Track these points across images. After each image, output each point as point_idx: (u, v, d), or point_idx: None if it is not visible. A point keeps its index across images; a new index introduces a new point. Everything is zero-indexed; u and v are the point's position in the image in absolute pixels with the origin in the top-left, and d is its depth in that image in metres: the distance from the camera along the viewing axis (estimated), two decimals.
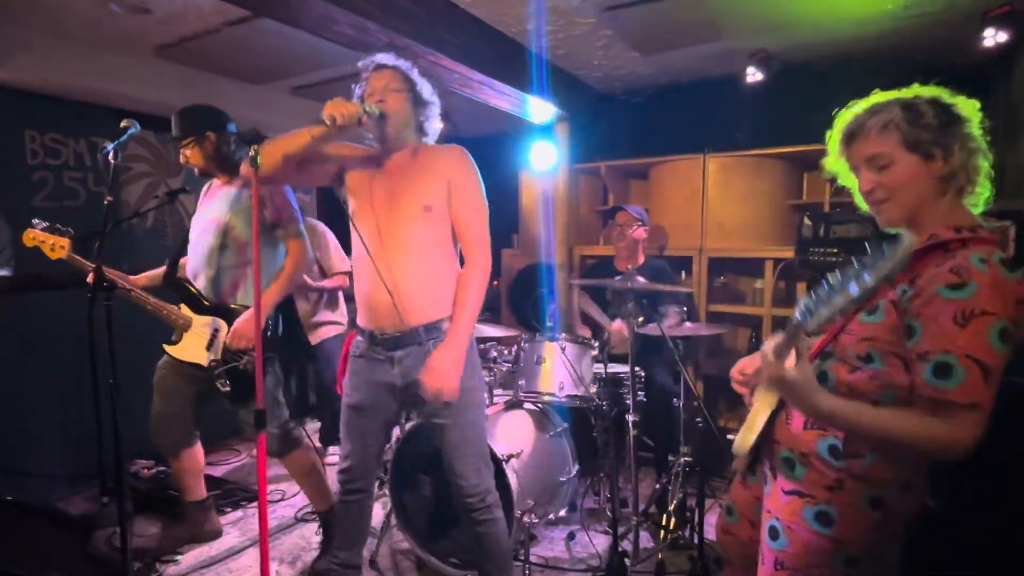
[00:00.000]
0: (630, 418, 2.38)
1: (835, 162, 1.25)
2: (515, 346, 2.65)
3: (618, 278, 2.46)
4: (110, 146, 1.87)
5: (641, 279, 2.45)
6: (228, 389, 2.16)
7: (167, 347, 2.31)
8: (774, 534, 1.27)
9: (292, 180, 1.76)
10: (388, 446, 2.97)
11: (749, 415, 1.37)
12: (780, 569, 1.26)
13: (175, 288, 2.25)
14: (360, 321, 1.81)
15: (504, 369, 2.74)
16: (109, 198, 1.87)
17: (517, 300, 3.78)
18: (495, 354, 2.73)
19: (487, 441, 1.88)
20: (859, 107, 1.22)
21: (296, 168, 1.71)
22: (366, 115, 1.63)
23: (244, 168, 1.62)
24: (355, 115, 1.59)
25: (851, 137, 1.20)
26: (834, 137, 1.23)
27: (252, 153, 1.56)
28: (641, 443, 2.72)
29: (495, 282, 4.04)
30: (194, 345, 2.24)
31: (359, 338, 1.83)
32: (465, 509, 1.82)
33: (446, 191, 1.72)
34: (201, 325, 2.24)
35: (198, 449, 2.45)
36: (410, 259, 1.71)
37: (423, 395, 1.73)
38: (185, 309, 2.26)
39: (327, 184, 1.82)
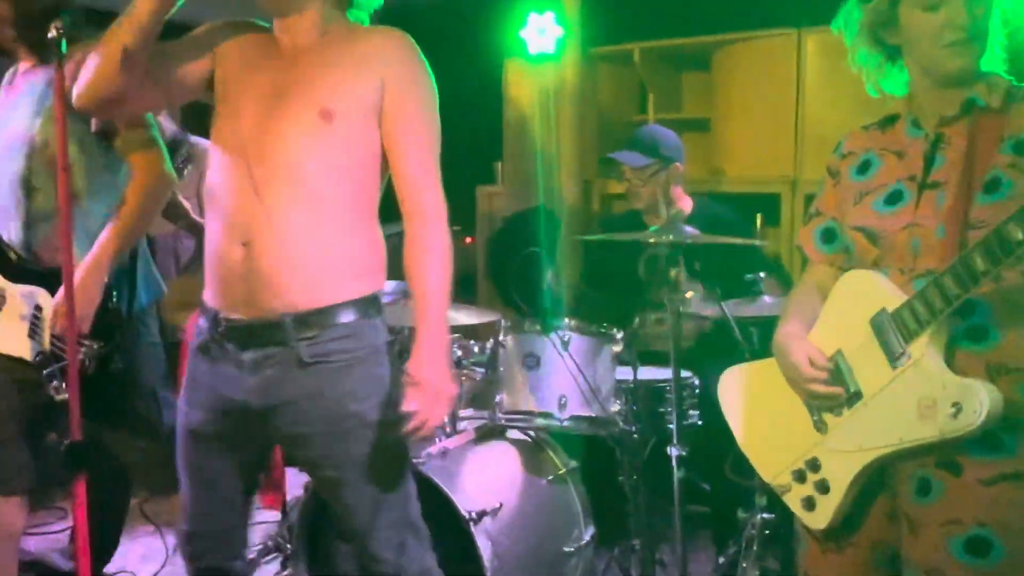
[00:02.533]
0: (675, 452, 2.38)
1: None
2: (491, 340, 2.64)
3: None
4: None
5: (690, 229, 2.44)
6: (65, 397, 2.15)
7: None
8: (980, 548, 1.44)
9: (146, 93, 1.78)
10: (290, 502, 2.94)
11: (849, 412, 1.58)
12: None
13: None
14: (206, 295, 1.81)
15: (475, 377, 2.72)
16: None
17: (499, 266, 3.69)
18: (460, 353, 2.71)
19: (415, 497, 1.88)
20: None
21: (148, 69, 1.73)
22: None
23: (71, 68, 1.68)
24: None
25: None
26: None
27: (54, 33, 1.55)
28: (694, 490, 2.67)
29: (467, 239, 4.08)
30: (12, 330, 2.23)
31: (202, 321, 1.83)
32: None
33: (373, 96, 1.75)
34: (18, 299, 2.23)
35: (19, 503, 2.36)
36: (289, 198, 1.70)
37: (309, 428, 1.75)
38: None
39: (197, 93, 1.85)
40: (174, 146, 3.17)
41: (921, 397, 1.46)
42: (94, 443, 1.74)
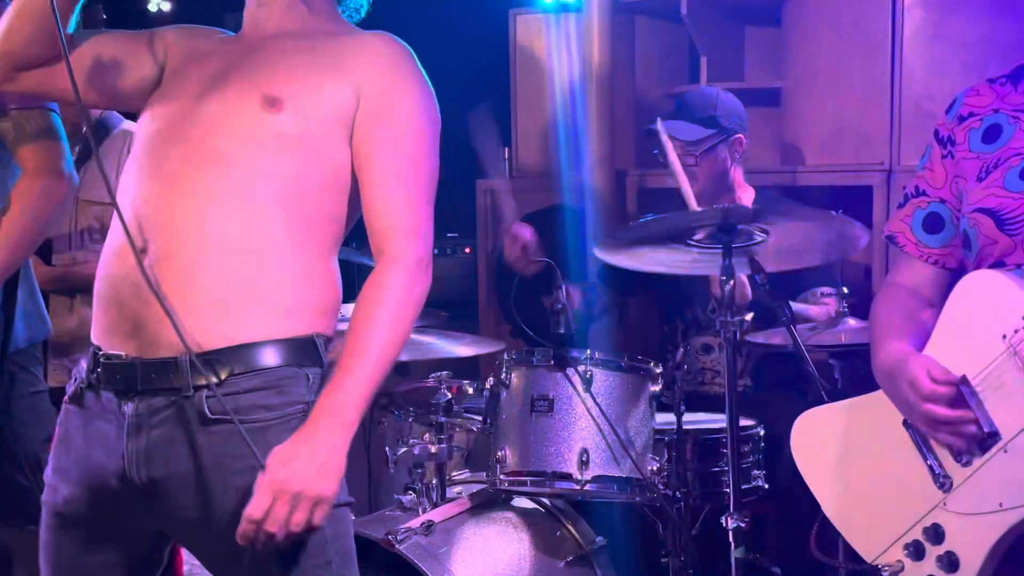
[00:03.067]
0: (732, 524, 2.37)
1: None
2: (490, 380, 2.66)
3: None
4: None
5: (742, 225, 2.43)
6: None
7: None
8: None
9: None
10: None
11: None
12: None
13: None
14: (92, 327, 1.80)
15: (470, 428, 2.79)
16: None
17: (506, 283, 3.64)
18: (449, 396, 2.73)
19: None
20: None
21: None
22: None
23: None
24: None
25: None
26: None
27: None
28: (757, 572, 2.65)
29: (467, 249, 4.11)
30: None
31: (82, 362, 1.83)
32: None
33: (342, 103, 1.80)
34: None
35: None
36: (207, 192, 1.73)
37: (208, 514, 1.70)
38: None
39: (133, 95, 1.90)
40: (101, 131, 3.19)
41: None
42: None
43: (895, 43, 3.44)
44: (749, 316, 2.49)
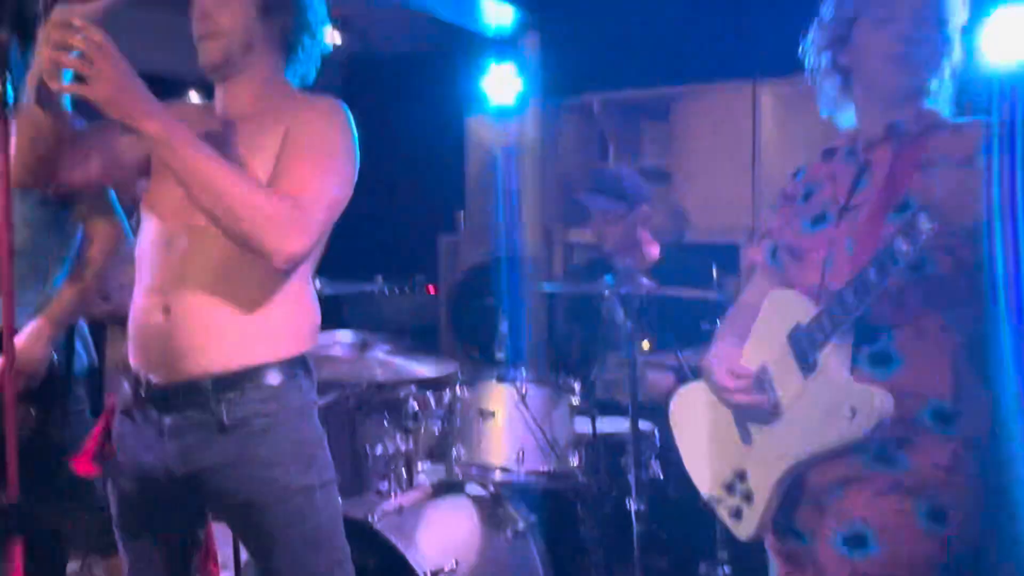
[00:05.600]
0: (633, 505, 2.42)
1: None
2: (448, 393, 2.69)
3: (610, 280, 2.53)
4: None
5: (644, 282, 2.51)
6: None
7: None
8: (858, 542, 1.53)
9: (80, 166, 1.70)
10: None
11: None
12: None
13: None
14: (130, 358, 1.78)
15: (432, 431, 2.77)
16: None
17: (459, 317, 3.68)
18: (416, 406, 2.73)
19: (347, 561, 1.78)
20: None
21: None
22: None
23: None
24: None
25: None
26: None
27: None
28: (654, 543, 2.65)
29: (430, 288, 4.03)
30: None
31: (124, 384, 1.80)
32: None
33: (278, 146, 1.67)
34: None
35: None
36: (211, 259, 1.67)
37: (230, 498, 1.69)
38: None
39: (138, 176, 1.79)
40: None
41: (826, 404, 1.53)
42: (30, 507, 1.64)
43: (755, 133, 3.53)
44: (646, 346, 2.55)
